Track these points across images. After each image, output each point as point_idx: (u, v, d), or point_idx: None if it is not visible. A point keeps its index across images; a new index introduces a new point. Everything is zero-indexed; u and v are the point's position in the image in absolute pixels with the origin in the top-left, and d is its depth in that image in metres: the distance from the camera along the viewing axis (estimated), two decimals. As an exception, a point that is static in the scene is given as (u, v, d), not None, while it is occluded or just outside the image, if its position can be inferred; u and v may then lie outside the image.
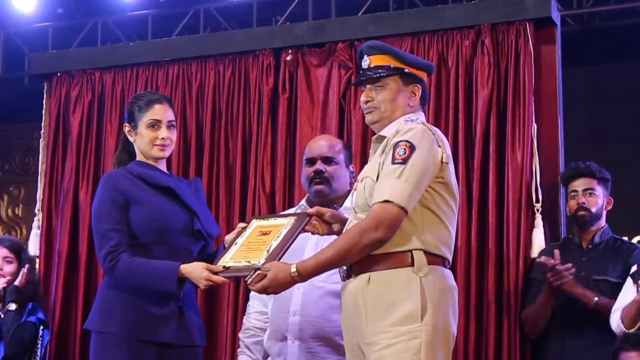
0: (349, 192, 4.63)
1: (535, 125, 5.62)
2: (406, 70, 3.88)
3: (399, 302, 3.62)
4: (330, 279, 4.30)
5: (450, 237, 3.77)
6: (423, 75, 3.95)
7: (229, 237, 4.12)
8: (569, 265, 5.07)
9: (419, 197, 3.67)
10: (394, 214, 3.61)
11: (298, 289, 4.47)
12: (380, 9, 6.41)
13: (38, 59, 6.81)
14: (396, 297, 3.63)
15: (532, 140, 5.59)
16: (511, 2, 5.78)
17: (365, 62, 3.92)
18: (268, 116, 6.14)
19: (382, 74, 3.87)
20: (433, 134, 3.76)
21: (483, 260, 5.60)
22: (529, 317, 5.32)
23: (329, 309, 4.47)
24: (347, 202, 4.54)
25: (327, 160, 4.67)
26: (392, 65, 3.88)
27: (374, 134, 3.98)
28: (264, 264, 3.73)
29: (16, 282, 5.57)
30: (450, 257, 3.78)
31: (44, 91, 6.69)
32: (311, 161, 4.70)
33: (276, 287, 3.70)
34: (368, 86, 3.90)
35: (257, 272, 3.68)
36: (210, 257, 4.15)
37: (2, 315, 5.55)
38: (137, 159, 4.23)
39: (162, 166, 4.24)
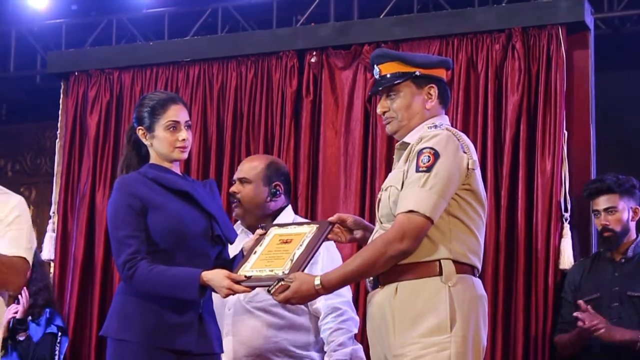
0: (279, 209, 4.71)
1: (566, 133, 5.58)
2: (417, 73, 3.80)
3: (427, 313, 3.57)
4: (257, 297, 4.40)
5: (479, 245, 3.71)
6: (440, 72, 3.86)
7: (247, 245, 4.06)
8: (596, 322, 4.94)
9: (445, 206, 3.60)
10: (420, 224, 3.55)
11: (229, 309, 4.53)
12: (404, 10, 6.37)
13: (55, 58, 6.76)
14: (424, 308, 3.57)
15: (562, 148, 5.55)
16: (543, 6, 5.75)
17: (377, 72, 3.87)
18: (291, 119, 6.10)
19: (392, 82, 3.80)
20: (458, 140, 3.69)
21: (511, 269, 5.58)
22: (563, 347, 5.26)
23: (260, 326, 4.54)
24: (279, 220, 4.60)
25: (241, 181, 4.72)
26: (400, 72, 3.81)
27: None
28: (288, 273, 3.68)
29: (18, 315, 5.48)
30: (479, 266, 3.71)
31: (61, 90, 6.64)
32: (233, 182, 4.80)
33: (299, 299, 3.66)
34: (383, 96, 3.85)
35: (280, 283, 3.63)
36: (227, 262, 4.09)
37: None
38: (152, 161, 4.13)
39: (176, 168, 4.16)
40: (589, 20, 5.71)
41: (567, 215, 5.50)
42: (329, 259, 4.51)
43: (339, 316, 4.65)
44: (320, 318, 4.65)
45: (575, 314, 5.01)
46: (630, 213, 5.21)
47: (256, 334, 4.56)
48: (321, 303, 4.60)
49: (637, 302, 5.04)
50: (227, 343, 4.45)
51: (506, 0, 6.15)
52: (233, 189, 4.71)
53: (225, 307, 4.50)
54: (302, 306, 4.61)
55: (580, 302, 5.04)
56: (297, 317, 4.65)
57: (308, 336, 4.66)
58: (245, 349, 4.56)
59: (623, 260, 5.19)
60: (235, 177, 4.76)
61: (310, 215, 5.92)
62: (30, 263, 3.86)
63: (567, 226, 5.50)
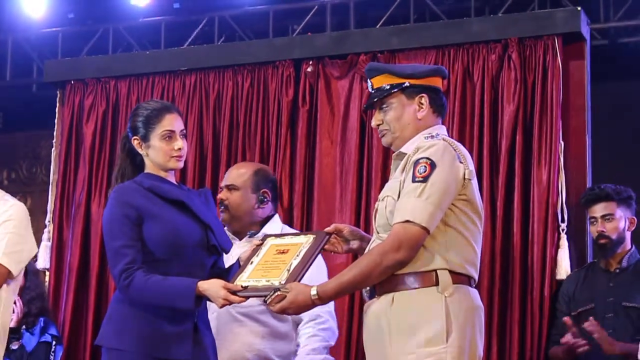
0: (267, 217, 4.73)
1: (562, 143, 5.58)
2: (406, 84, 3.80)
3: (423, 323, 3.56)
4: (243, 303, 4.34)
5: (475, 256, 3.70)
6: (433, 81, 3.85)
7: (243, 255, 4.05)
8: (582, 342, 4.98)
9: (441, 216, 3.60)
10: (416, 234, 3.54)
11: (212, 312, 4.51)
12: (401, 20, 6.36)
13: (51, 66, 6.72)
14: (420, 318, 3.56)
15: (558, 158, 5.54)
16: (539, 16, 5.74)
17: (370, 86, 3.88)
18: (287, 129, 6.08)
19: (383, 95, 3.81)
20: (454, 150, 3.68)
21: (507, 279, 5.56)
22: (556, 358, 5.26)
23: (244, 333, 4.56)
24: (267, 229, 4.64)
25: (229, 188, 4.74)
26: (390, 84, 3.81)
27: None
28: (284, 284, 3.67)
29: (11, 324, 5.46)
30: (476, 276, 3.70)
31: (57, 99, 6.61)
32: (220, 190, 4.81)
33: (296, 309, 3.66)
34: (376, 109, 3.86)
35: (276, 293, 3.62)
36: (223, 272, 4.07)
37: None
38: (147, 171, 4.11)
39: (172, 178, 4.14)
40: (585, 30, 5.71)
41: (563, 225, 5.48)
42: (316, 268, 4.51)
43: (320, 324, 4.67)
44: (301, 324, 4.66)
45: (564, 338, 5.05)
46: (627, 223, 5.20)
47: (239, 341, 4.56)
48: None
49: (632, 313, 5.04)
50: None
51: (502, 11, 6.16)
52: (221, 195, 4.72)
53: (208, 311, 4.47)
54: None
55: (566, 319, 5.03)
56: (281, 325, 4.66)
57: (290, 345, 4.68)
58: (228, 354, 4.54)
59: (617, 271, 5.18)
60: (223, 184, 4.77)
61: (306, 225, 5.91)
62: (11, 269, 3.81)
63: (564, 236, 5.48)
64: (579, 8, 5.63)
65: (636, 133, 6.40)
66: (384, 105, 3.80)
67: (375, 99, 3.82)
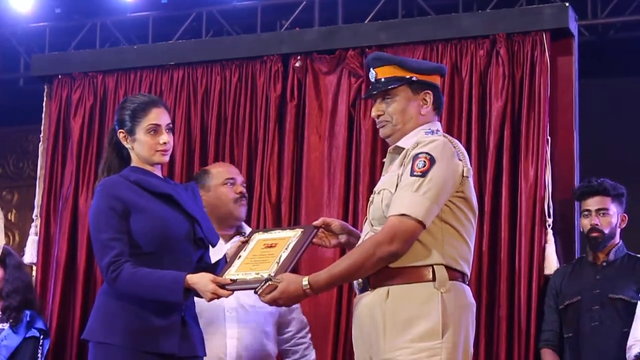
0: None
1: (549, 139, 5.56)
2: (414, 78, 3.80)
3: (419, 318, 3.56)
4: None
5: (469, 252, 3.72)
6: (435, 79, 3.86)
7: (230, 251, 4.05)
8: None
9: (438, 211, 3.60)
10: (411, 228, 3.54)
11: (230, 312, 4.57)
12: (389, 16, 6.35)
13: (38, 61, 6.69)
14: (416, 313, 3.57)
15: (546, 154, 5.53)
16: (528, 12, 5.76)
17: (372, 75, 3.86)
18: (275, 124, 6.06)
19: (389, 86, 3.79)
20: (454, 147, 3.70)
21: (495, 275, 5.55)
22: None
23: (262, 334, 4.65)
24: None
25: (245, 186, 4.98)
26: (398, 76, 3.80)
27: (386, 143, 3.91)
28: (275, 275, 3.65)
29: None
30: (469, 273, 3.72)
31: (44, 93, 6.58)
32: (233, 182, 4.92)
33: (287, 300, 3.64)
34: (378, 99, 3.83)
35: (267, 283, 3.61)
36: (210, 266, 4.07)
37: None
38: (133, 164, 4.12)
39: (158, 172, 4.14)
40: (573, 26, 5.71)
41: (550, 221, 5.47)
42: None
43: (308, 333, 4.92)
44: (294, 330, 4.86)
45: None
46: (619, 219, 5.24)
47: (258, 339, 4.64)
48: (295, 314, 4.85)
49: (619, 305, 5.06)
50: (232, 345, 4.51)
51: (491, 6, 6.16)
52: (243, 190, 4.93)
53: (224, 310, 4.55)
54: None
55: None
56: (273, 327, 4.79)
57: (276, 345, 4.83)
58: (250, 353, 4.60)
59: (605, 264, 5.21)
60: (240, 180, 4.96)
61: (294, 219, 5.91)
62: None
63: (550, 232, 5.47)
64: (567, 4, 5.62)
65: (624, 129, 6.42)
66: (388, 97, 3.79)
67: (379, 90, 3.80)
